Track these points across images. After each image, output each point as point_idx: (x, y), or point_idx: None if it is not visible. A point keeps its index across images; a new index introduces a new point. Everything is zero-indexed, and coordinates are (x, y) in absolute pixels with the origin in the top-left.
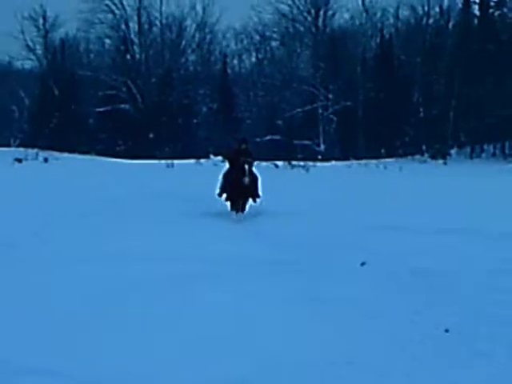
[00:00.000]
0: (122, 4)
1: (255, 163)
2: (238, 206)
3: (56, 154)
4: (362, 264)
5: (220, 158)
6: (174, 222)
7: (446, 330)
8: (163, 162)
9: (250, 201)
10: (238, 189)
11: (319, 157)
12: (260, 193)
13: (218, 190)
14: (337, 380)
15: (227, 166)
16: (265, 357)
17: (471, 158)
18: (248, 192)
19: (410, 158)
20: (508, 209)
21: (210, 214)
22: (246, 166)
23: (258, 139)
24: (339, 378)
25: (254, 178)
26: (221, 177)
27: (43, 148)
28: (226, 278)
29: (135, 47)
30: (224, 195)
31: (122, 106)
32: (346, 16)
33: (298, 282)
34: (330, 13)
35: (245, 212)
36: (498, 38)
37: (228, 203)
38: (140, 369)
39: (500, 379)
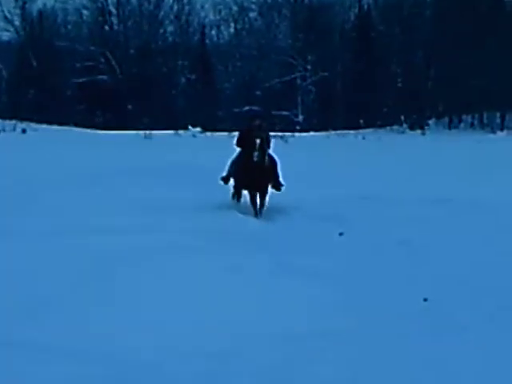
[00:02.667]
0: None
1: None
2: (250, 195)
3: (34, 125)
4: (341, 234)
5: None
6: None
7: (425, 299)
8: (141, 132)
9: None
10: (250, 170)
11: (297, 127)
12: (282, 181)
13: (224, 174)
14: (313, 352)
15: (237, 149)
16: (241, 330)
17: (449, 128)
18: (264, 175)
19: (388, 128)
20: (487, 179)
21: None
22: (258, 141)
23: (236, 110)
24: (316, 350)
25: (272, 163)
26: (230, 161)
27: (22, 119)
28: (208, 251)
29: (113, 18)
30: (232, 180)
31: (100, 77)
32: None
33: (275, 255)
34: None
35: (264, 207)
36: (477, 8)
37: (232, 192)
38: (125, 340)
39: (478, 351)
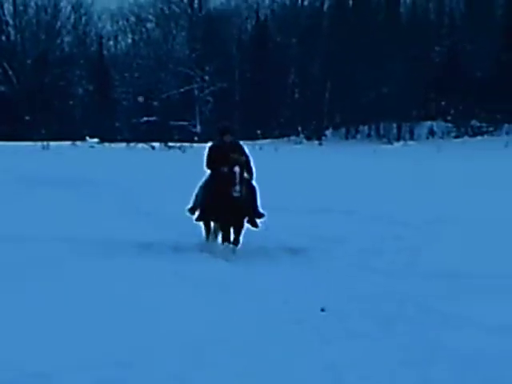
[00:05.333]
0: None
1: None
2: (222, 230)
3: None
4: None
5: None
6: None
7: (322, 310)
8: (39, 143)
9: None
10: (225, 203)
11: (196, 138)
12: (261, 210)
13: (190, 204)
14: (209, 358)
15: (207, 171)
16: (139, 340)
17: (346, 138)
18: (240, 209)
19: (285, 139)
20: (378, 190)
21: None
22: (237, 169)
23: (134, 120)
24: (214, 357)
25: (250, 190)
26: (198, 188)
27: None
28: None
29: (10, 29)
30: (197, 212)
31: None
32: None
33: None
34: None
35: (239, 244)
36: (373, 19)
37: (202, 226)
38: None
39: (372, 356)
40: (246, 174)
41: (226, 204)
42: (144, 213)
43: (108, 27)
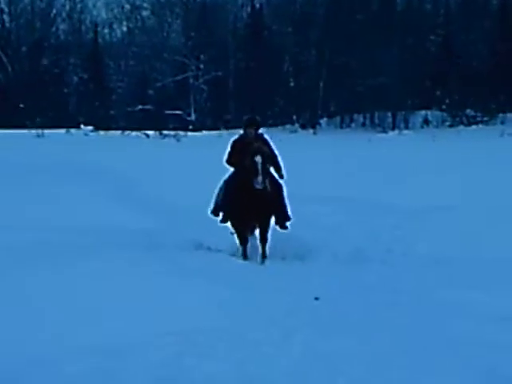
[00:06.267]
0: None
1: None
2: (246, 231)
3: None
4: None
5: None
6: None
7: (316, 298)
8: (33, 131)
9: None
10: (248, 198)
11: (190, 126)
12: (289, 212)
13: (211, 205)
14: (203, 347)
15: (230, 168)
16: (133, 327)
17: (341, 127)
18: (265, 204)
19: (280, 127)
20: (374, 178)
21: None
22: (259, 159)
23: (129, 109)
24: (208, 346)
25: (277, 187)
26: (219, 187)
27: None
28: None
29: (5, 16)
30: (221, 214)
31: None
32: None
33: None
34: None
35: (267, 244)
36: (369, 8)
37: (231, 227)
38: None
39: (367, 346)
40: (272, 170)
41: (249, 199)
42: (139, 200)
43: (103, 15)
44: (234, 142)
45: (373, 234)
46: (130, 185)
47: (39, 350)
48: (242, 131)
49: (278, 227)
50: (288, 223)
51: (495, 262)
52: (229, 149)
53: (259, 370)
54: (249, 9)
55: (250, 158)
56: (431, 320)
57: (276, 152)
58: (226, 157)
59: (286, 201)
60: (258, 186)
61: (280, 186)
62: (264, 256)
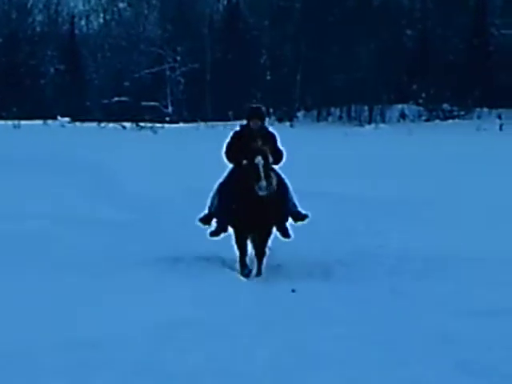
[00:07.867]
0: None
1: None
2: (245, 242)
3: None
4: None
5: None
6: None
7: (293, 290)
8: (10, 122)
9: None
10: (248, 205)
11: (167, 118)
12: (302, 210)
13: (205, 211)
14: (181, 339)
15: (230, 165)
16: (114, 319)
17: (318, 120)
18: (266, 212)
19: None
20: (350, 171)
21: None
22: (260, 160)
23: (105, 101)
24: (186, 338)
25: (281, 188)
26: (215, 187)
27: None
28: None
29: None
30: (214, 222)
31: None
32: None
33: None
34: None
35: (264, 258)
36: (346, 3)
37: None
38: None
39: (347, 340)
40: (276, 168)
41: (249, 206)
42: (115, 191)
43: (80, 7)
44: (235, 133)
45: (347, 227)
46: (107, 176)
47: (18, 344)
48: (238, 125)
49: (279, 235)
50: (290, 233)
51: (467, 252)
52: (228, 139)
53: (238, 362)
54: (225, 1)
55: (250, 161)
56: (405, 313)
57: (281, 148)
58: (224, 149)
59: (295, 199)
60: (262, 193)
61: (285, 186)
62: (259, 273)
